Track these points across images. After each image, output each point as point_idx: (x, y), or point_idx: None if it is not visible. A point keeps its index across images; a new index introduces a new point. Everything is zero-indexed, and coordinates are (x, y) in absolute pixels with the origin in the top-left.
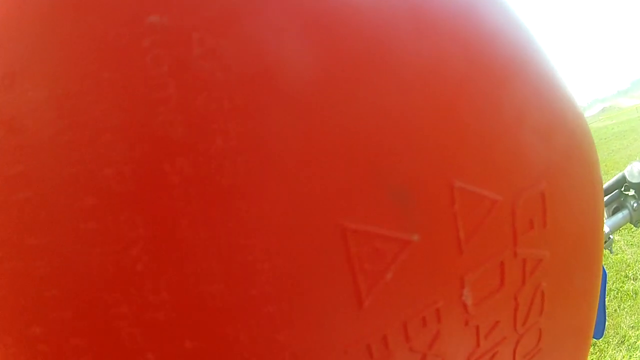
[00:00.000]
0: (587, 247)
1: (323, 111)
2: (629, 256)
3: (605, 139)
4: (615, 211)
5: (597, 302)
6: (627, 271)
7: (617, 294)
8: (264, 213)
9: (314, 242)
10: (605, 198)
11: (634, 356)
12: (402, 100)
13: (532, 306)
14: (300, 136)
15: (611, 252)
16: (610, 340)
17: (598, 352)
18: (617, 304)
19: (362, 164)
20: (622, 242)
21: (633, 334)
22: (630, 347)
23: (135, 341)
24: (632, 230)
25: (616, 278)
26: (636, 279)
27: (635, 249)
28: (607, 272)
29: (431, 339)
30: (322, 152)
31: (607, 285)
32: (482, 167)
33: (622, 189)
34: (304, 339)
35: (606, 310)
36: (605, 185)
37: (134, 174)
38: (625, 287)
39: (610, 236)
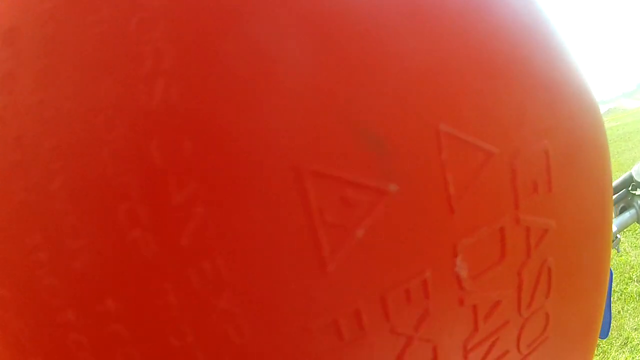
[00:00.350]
0: (596, 224)
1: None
2: (633, 258)
3: (610, 140)
4: (622, 210)
5: (606, 290)
6: (630, 273)
7: (621, 295)
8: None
9: (263, 186)
10: (614, 197)
11: (637, 358)
12: (380, 34)
13: (537, 285)
14: (258, 72)
15: (618, 251)
16: (614, 341)
17: (601, 354)
18: (620, 306)
19: (325, 99)
20: (627, 244)
21: (636, 336)
22: (633, 349)
23: (55, 294)
24: (637, 232)
25: (620, 280)
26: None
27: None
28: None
29: (418, 319)
30: (278, 85)
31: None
32: (474, 113)
33: (630, 188)
34: (250, 307)
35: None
36: (613, 184)
37: None
38: (629, 289)
39: (618, 235)
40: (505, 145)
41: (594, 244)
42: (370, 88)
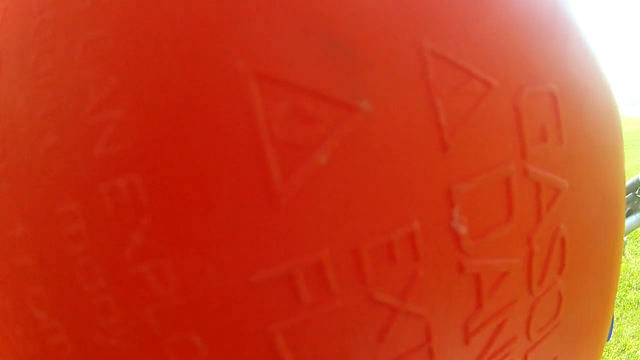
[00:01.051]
0: (610, 193)
1: None
2: (633, 265)
3: None
4: (628, 214)
5: (618, 278)
6: (630, 280)
7: (620, 302)
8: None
9: (198, 84)
10: None
11: None
12: None
13: (550, 258)
14: None
15: (624, 255)
16: (611, 348)
17: None
18: (619, 313)
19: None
20: (628, 251)
21: (634, 343)
22: (630, 356)
23: None
24: (638, 239)
25: (619, 287)
26: (639, 289)
27: None
28: None
29: (405, 285)
30: None
31: None
32: (466, 36)
33: (637, 192)
34: (174, 246)
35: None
36: None
37: None
38: (628, 296)
39: (624, 238)
40: (505, 79)
41: (610, 216)
42: None
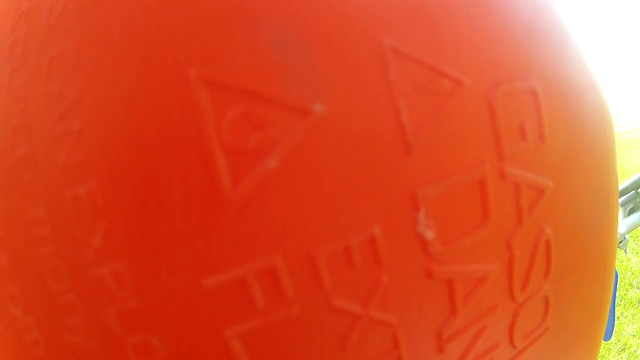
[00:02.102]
0: (601, 191)
1: None
2: (634, 264)
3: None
4: (630, 212)
5: (614, 274)
6: (631, 279)
7: (621, 301)
8: None
9: (146, 89)
10: (622, 199)
11: None
12: None
13: (534, 262)
14: None
15: (626, 252)
16: (612, 347)
17: (599, 359)
18: (620, 312)
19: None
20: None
21: (634, 342)
22: (631, 355)
23: None
24: (638, 238)
25: (620, 285)
26: None
27: None
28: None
29: (367, 291)
30: None
31: None
32: (435, 31)
33: (639, 190)
34: (129, 251)
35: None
36: (621, 187)
37: None
38: (629, 295)
39: (626, 236)
40: (478, 76)
41: (602, 216)
42: None
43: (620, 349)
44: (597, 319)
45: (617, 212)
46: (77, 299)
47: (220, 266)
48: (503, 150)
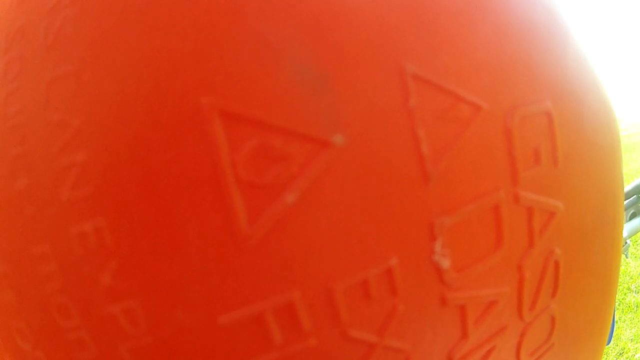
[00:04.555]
0: (608, 210)
1: None
2: (632, 269)
3: None
4: (632, 216)
5: (616, 290)
6: (629, 283)
7: (619, 305)
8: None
9: (161, 126)
10: (624, 203)
11: None
12: None
13: (542, 282)
14: None
15: (627, 257)
16: (610, 351)
17: None
18: (618, 316)
19: (239, 19)
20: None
21: (632, 347)
22: (628, 359)
23: None
24: (637, 243)
25: (619, 290)
26: (638, 292)
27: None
28: None
29: (382, 321)
30: None
31: None
32: (453, 55)
33: None
34: (142, 287)
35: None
36: (624, 191)
37: None
38: (627, 300)
39: (627, 241)
40: (496, 100)
41: (606, 234)
42: (306, 9)
43: (618, 354)
44: (601, 330)
45: (623, 224)
46: (87, 335)
47: (237, 303)
48: (518, 175)
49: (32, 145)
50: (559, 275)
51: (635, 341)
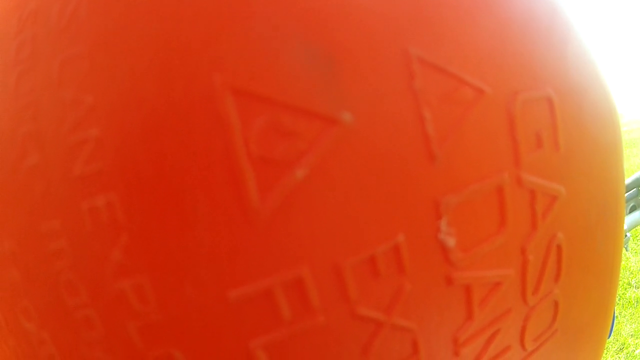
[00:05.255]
0: (609, 196)
1: None
2: (632, 264)
3: None
4: (632, 209)
5: (618, 280)
6: (630, 279)
7: (619, 300)
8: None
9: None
10: None
11: None
12: None
13: (546, 266)
14: None
15: (627, 250)
16: (610, 346)
17: None
18: (618, 311)
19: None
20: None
21: (632, 342)
22: (628, 355)
23: None
24: (637, 237)
25: (619, 285)
26: (639, 287)
27: None
28: None
29: (390, 299)
30: None
31: None
32: (456, 41)
33: None
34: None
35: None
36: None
37: None
38: (627, 295)
39: (627, 234)
40: (499, 85)
41: (609, 225)
42: None
43: (618, 349)
44: (604, 319)
45: (624, 212)
46: (95, 313)
47: (247, 278)
48: (520, 158)
49: (44, 122)
50: (562, 260)
51: (636, 336)
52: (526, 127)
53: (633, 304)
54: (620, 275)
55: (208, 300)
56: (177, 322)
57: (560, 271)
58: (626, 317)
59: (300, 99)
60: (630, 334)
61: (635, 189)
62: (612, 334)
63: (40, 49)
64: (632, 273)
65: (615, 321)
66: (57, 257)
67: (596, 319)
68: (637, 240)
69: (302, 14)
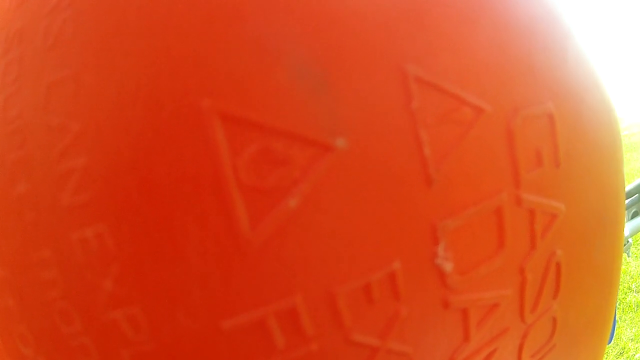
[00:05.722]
0: (609, 211)
1: None
2: (633, 268)
3: None
4: (634, 215)
5: (617, 290)
6: (630, 283)
7: (620, 305)
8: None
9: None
10: (626, 202)
11: None
12: None
13: (544, 284)
14: None
15: (628, 256)
16: (610, 351)
17: None
18: (618, 315)
19: (239, 21)
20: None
21: (632, 347)
22: (629, 359)
23: None
24: (638, 242)
25: (619, 289)
26: (639, 292)
27: None
28: None
29: (384, 325)
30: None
31: None
32: (455, 58)
33: None
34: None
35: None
36: (626, 189)
37: None
38: (627, 299)
39: (629, 240)
40: (498, 102)
41: (608, 234)
42: (306, 10)
43: (619, 353)
44: (603, 326)
45: (624, 219)
46: (90, 341)
47: (240, 308)
48: (520, 177)
49: (31, 149)
50: (561, 276)
51: (636, 341)
52: (526, 145)
53: (633, 308)
54: (621, 279)
55: (201, 329)
56: (171, 352)
57: (559, 287)
58: (626, 322)
59: (292, 124)
60: (631, 338)
61: (637, 195)
62: (613, 338)
63: (27, 71)
64: (632, 277)
65: (615, 325)
66: (50, 287)
67: (595, 328)
68: (639, 245)
69: (294, 33)
